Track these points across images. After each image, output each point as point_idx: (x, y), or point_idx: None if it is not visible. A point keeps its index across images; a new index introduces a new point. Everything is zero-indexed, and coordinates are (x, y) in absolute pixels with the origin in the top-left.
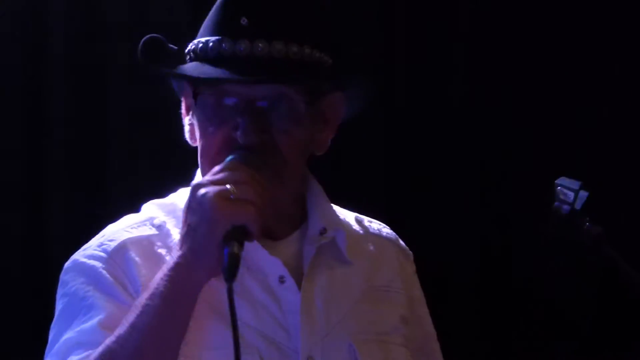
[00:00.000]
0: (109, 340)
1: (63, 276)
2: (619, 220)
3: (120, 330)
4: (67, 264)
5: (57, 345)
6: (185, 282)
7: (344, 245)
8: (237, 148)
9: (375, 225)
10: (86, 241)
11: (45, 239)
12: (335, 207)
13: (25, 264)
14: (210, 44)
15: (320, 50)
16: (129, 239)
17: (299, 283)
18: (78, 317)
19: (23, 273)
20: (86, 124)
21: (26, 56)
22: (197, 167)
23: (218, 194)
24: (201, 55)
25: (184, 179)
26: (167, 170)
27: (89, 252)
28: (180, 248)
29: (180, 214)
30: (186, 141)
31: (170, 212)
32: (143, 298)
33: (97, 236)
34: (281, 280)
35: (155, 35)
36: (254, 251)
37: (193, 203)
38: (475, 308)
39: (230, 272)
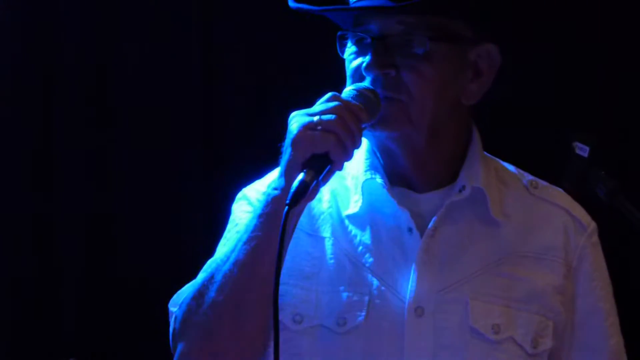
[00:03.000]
0: (211, 262)
1: (233, 203)
2: (635, 173)
3: (220, 250)
4: (238, 194)
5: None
6: (276, 205)
7: (489, 204)
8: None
9: (553, 191)
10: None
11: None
12: (509, 167)
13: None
14: None
15: None
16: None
17: None
18: (225, 239)
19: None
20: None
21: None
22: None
23: (303, 124)
24: None
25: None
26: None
27: (257, 186)
28: (273, 189)
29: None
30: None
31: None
32: (233, 235)
33: (266, 176)
34: (409, 230)
35: None
36: (384, 199)
37: (287, 130)
38: None
39: (293, 198)
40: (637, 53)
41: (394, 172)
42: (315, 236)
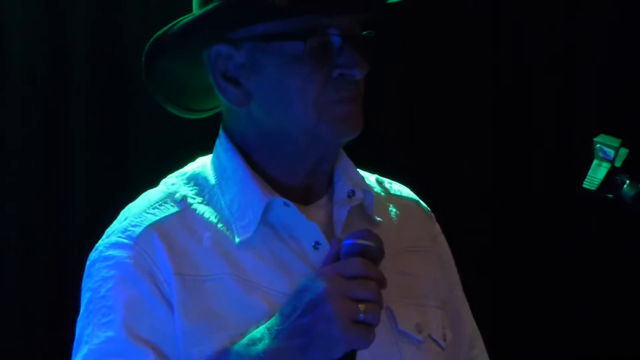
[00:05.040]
0: None
1: (89, 268)
2: None
3: None
4: (92, 255)
5: (83, 352)
6: None
7: (372, 207)
8: (344, 88)
9: (396, 186)
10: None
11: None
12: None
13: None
14: None
15: None
16: (154, 223)
17: None
18: (97, 316)
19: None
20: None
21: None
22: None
23: (349, 314)
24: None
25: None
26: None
27: (114, 239)
28: (284, 339)
29: (202, 182)
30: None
31: (191, 180)
32: None
33: (119, 218)
34: (315, 246)
35: None
36: (287, 216)
37: (319, 309)
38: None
39: None
40: None
41: (280, 186)
42: (210, 277)
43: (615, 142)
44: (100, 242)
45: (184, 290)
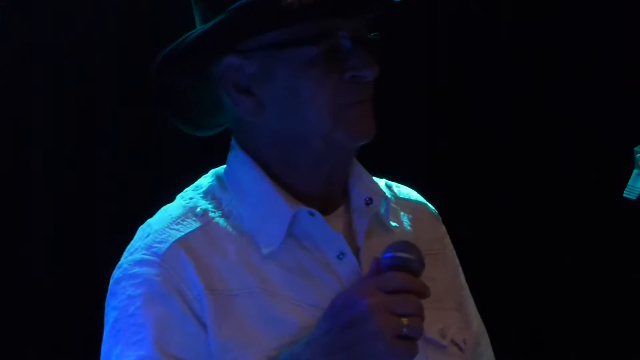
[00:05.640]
0: None
1: (113, 286)
2: None
3: None
4: (116, 273)
5: None
6: None
7: (388, 214)
8: (357, 91)
9: (404, 189)
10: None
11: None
12: None
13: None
14: None
15: None
16: (180, 238)
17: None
18: (127, 335)
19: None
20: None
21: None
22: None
23: (393, 330)
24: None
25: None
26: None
27: (138, 257)
28: (326, 355)
29: (219, 196)
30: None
31: (208, 194)
32: None
33: (140, 235)
34: (340, 256)
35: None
36: (312, 226)
37: (362, 326)
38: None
39: None
40: None
41: (301, 196)
42: (239, 292)
43: None
44: (122, 259)
45: (215, 306)
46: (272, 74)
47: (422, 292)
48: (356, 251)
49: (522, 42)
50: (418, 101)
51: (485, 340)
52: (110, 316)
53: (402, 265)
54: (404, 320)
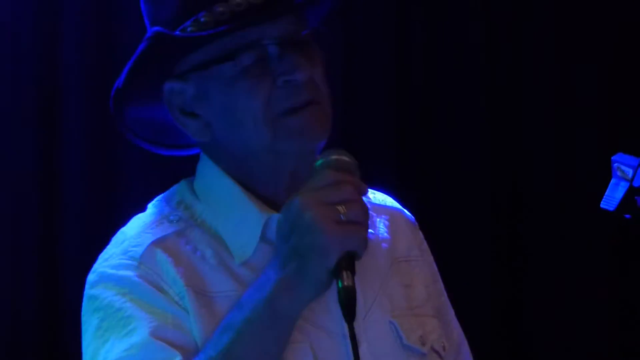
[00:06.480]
0: None
1: (89, 290)
2: None
3: (210, 354)
4: (91, 278)
5: None
6: (288, 306)
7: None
8: (290, 97)
9: (379, 196)
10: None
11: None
12: None
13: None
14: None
15: None
16: (155, 240)
17: None
18: (117, 330)
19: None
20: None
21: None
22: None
23: (328, 217)
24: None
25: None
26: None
27: (115, 261)
28: (282, 269)
29: (191, 204)
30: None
31: (180, 203)
32: (236, 321)
33: (113, 243)
34: None
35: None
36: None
37: (299, 223)
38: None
39: (350, 310)
40: None
41: (269, 203)
42: (219, 294)
43: (634, 161)
44: (97, 265)
45: (197, 303)
46: (208, 93)
47: (355, 183)
48: None
49: (495, 44)
50: (388, 102)
51: (466, 348)
52: (93, 319)
53: (332, 166)
54: (340, 208)
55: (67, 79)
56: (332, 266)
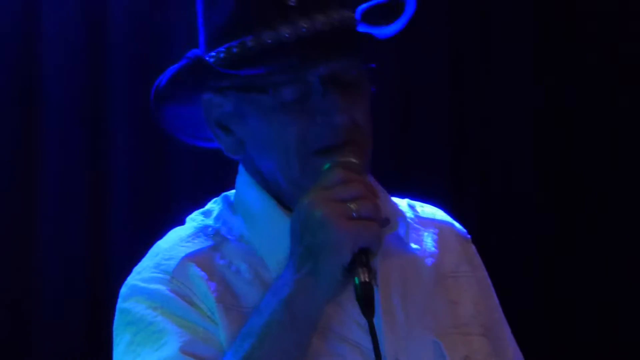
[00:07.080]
0: None
1: (122, 304)
2: None
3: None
4: (123, 291)
5: None
6: (305, 307)
7: (404, 234)
8: (326, 138)
9: (428, 209)
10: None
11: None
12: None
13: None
14: (286, 29)
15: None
16: (188, 254)
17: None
18: (148, 345)
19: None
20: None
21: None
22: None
23: (339, 213)
24: (271, 45)
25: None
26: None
27: (147, 275)
28: (297, 270)
29: (229, 219)
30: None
31: (219, 218)
32: (256, 326)
33: (148, 256)
34: None
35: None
36: None
37: (310, 222)
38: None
39: (368, 305)
40: None
41: None
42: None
43: None
44: (129, 279)
45: (227, 318)
46: (244, 115)
47: (364, 182)
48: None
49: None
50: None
51: None
52: (125, 333)
53: (341, 167)
54: (352, 205)
55: (112, 80)
56: (346, 263)
